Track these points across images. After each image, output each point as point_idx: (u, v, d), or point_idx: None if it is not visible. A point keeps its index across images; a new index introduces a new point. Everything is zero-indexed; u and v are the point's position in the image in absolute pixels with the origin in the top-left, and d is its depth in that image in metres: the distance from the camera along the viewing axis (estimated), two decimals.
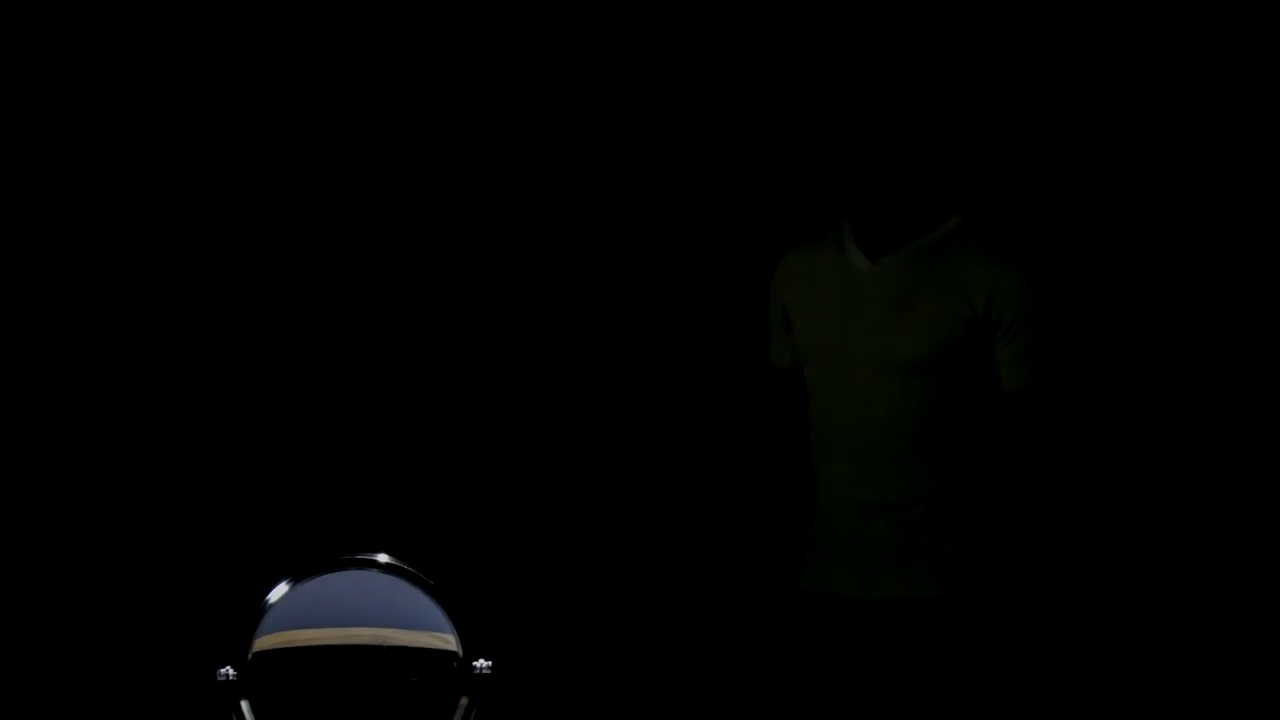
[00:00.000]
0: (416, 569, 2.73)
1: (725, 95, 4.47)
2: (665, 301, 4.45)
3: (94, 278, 4.40)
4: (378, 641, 2.61)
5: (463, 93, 4.43)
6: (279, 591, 2.61)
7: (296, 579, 2.61)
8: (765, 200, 4.49)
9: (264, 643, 2.62)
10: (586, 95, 4.45)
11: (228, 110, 4.38)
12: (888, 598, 3.60)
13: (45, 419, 4.38)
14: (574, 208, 4.44)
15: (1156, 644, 4.40)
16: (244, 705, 2.61)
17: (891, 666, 3.60)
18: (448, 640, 2.67)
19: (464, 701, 2.67)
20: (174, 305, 4.41)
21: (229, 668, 2.61)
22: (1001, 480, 3.63)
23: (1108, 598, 4.42)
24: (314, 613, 2.60)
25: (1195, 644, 4.40)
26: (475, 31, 4.43)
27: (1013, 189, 4.44)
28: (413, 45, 4.42)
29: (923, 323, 3.61)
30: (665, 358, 4.46)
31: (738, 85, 4.47)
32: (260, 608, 2.63)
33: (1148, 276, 4.44)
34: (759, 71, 4.47)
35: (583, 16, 4.44)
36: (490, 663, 2.69)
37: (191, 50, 4.37)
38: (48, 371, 4.38)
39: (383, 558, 2.63)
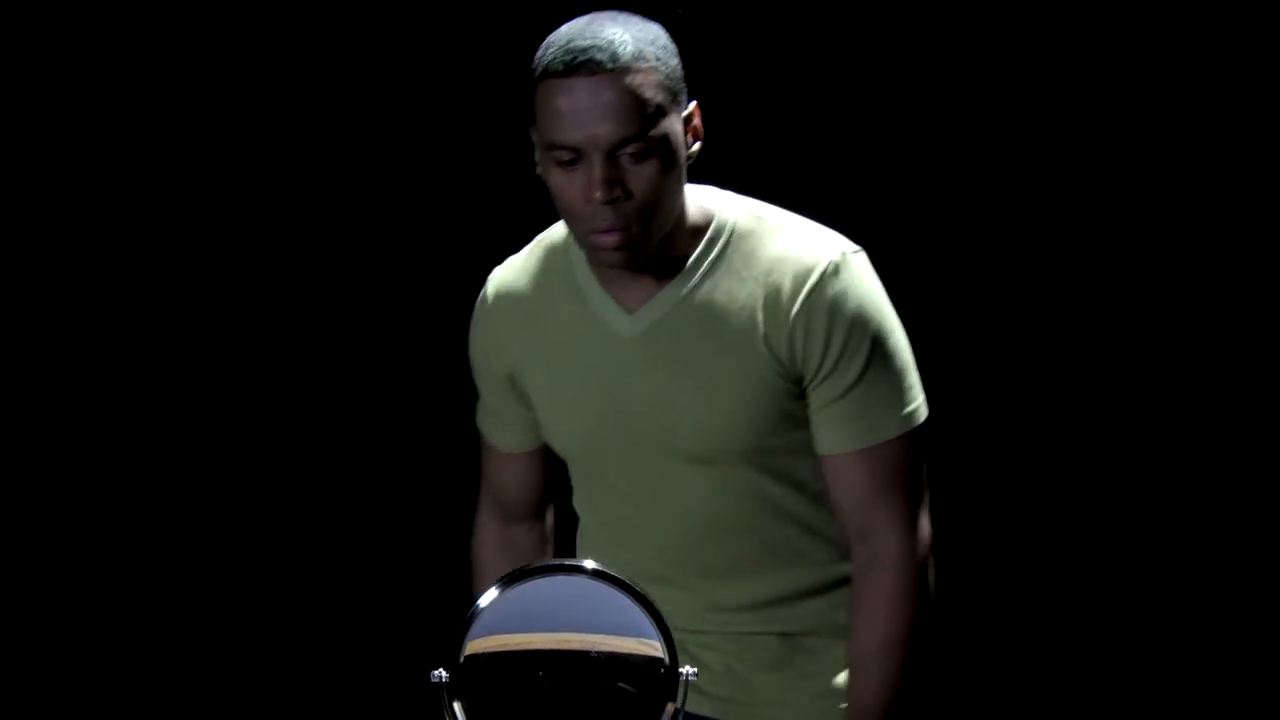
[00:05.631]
0: (623, 576, 2.77)
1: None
2: None
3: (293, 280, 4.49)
4: (587, 647, 2.65)
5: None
6: (489, 596, 2.67)
7: (506, 584, 2.66)
8: None
9: (475, 646, 2.68)
10: None
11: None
12: None
13: (268, 423, 4.49)
14: None
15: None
16: (456, 707, 2.67)
17: None
18: (654, 647, 2.69)
19: (670, 708, 2.69)
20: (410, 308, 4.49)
21: (442, 670, 2.67)
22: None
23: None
24: (523, 618, 2.65)
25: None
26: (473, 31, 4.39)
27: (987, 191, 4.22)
28: (413, 45, 4.39)
29: (720, 395, 2.74)
30: None
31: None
32: (472, 612, 2.68)
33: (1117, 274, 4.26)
34: None
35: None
36: (696, 669, 2.71)
37: (191, 50, 4.37)
38: (261, 383, 4.49)
39: (590, 564, 2.67)
